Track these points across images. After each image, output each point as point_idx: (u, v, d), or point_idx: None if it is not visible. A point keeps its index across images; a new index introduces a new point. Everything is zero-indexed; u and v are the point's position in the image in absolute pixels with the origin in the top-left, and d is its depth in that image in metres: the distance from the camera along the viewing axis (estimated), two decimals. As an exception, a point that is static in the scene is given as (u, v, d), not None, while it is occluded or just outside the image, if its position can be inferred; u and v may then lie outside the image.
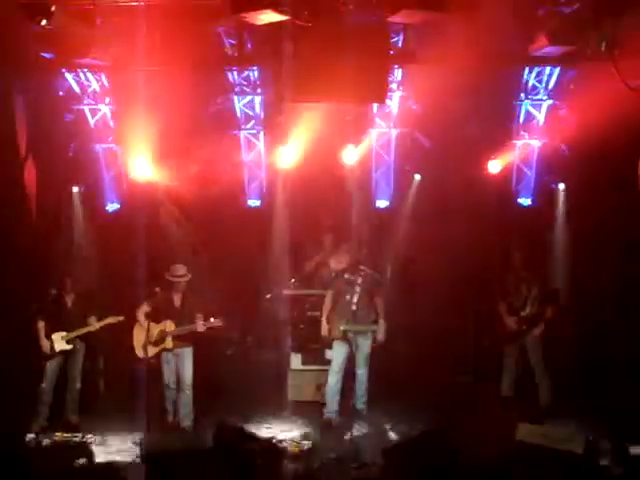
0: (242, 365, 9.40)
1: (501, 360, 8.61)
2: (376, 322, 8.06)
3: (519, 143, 9.92)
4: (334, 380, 8.14)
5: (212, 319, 7.86)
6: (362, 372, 8.14)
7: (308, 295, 9.42)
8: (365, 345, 8.12)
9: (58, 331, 8.03)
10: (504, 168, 9.86)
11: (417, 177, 10.16)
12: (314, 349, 8.95)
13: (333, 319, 8.15)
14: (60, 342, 8.00)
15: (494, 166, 9.86)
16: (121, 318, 7.99)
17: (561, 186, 9.79)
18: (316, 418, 8.27)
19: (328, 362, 8.54)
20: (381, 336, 8.08)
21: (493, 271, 9.15)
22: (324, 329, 8.20)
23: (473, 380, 9.33)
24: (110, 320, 8.02)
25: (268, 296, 9.97)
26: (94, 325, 8.04)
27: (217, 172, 9.67)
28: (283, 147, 9.62)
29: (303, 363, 8.96)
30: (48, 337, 8.00)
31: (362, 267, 8.11)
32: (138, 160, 9.56)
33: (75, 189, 9.92)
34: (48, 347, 7.96)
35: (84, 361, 8.30)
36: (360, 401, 8.19)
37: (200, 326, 7.83)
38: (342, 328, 8.01)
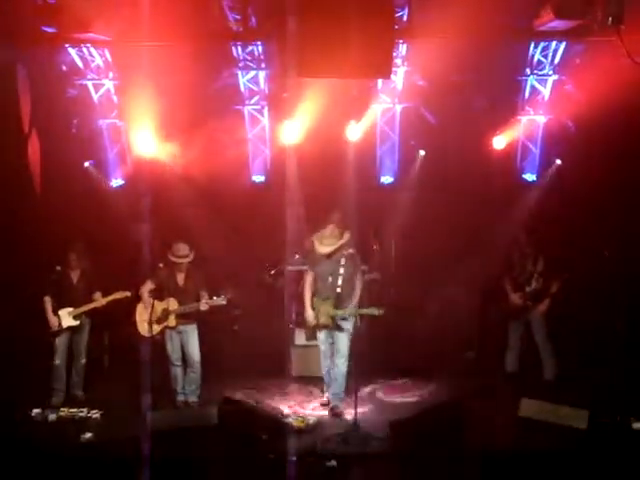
0: (248, 341, 9.35)
1: (506, 336, 8.71)
2: (363, 306, 7.75)
3: (524, 119, 9.80)
4: (323, 364, 7.99)
5: (215, 297, 7.80)
6: (342, 362, 7.74)
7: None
8: (346, 332, 7.73)
9: (64, 307, 8.02)
10: (509, 144, 9.75)
11: (421, 153, 10.08)
12: (320, 325, 8.60)
13: (316, 305, 7.81)
14: (67, 318, 8.00)
15: (499, 142, 9.73)
16: (128, 293, 7.98)
17: (557, 162, 9.75)
18: (320, 393, 8.30)
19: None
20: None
21: (498, 247, 9.17)
22: (310, 316, 7.82)
23: (477, 356, 9.43)
24: (117, 296, 8.00)
25: (272, 272, 9.95)
26: (100, 301, 8.03)
27: (221, 147, 9.60)
28: (287, 123, 9.52)
29: (307, 339, 8.77)
30: (55, 313, 8.00)
31: (347, 248, 7.82)
32: (142, 135, 9.49)
33: (86, 164, 9.90)
34: (56, 323, 7.96)
35: (89, 337, 8.33)
36: (337, 397, 7.79)
37: (203, 305, 7.78)
38: (331, 314, 7.65)
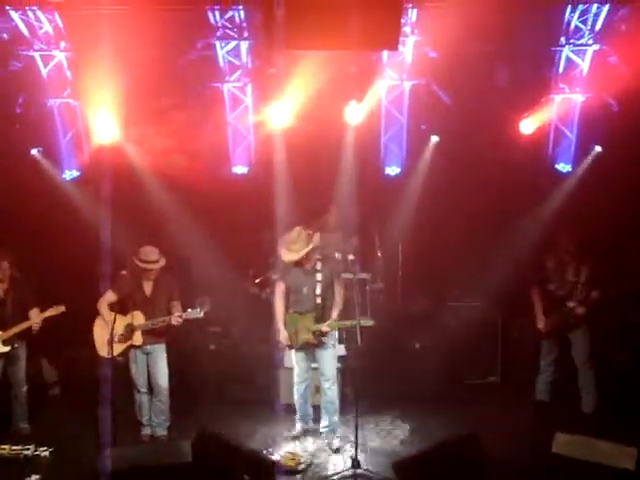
0: (227, 362, 9.40)
1: (536, 358, 8.69)
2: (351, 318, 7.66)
3: (557, 98, 9.80)
4: (302, 388, 8.03)
5: (190, 310, 7.76)
6: (328, 385, 7.81)
7: None
8: (329, 349, 7.78)
9: None
10: (539, 128, 9.81)
11: (434, 139, 10.15)
12: (311, 344, 8.65)
13: (291, 321, 7.84)
14: None
15: (527, 125, 9.80)
16: (62, 308, 7.90)
17: (597, 149, 9.78)
18: (316, 425, 8.26)
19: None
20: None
21: (525, 251, 9.26)
22: (282, 336, 7.86)
23: (500, 381, 9.58)
24: (50, 312, 7.91)
25: (257, 280, 9.96)
26: (34, 319, 7.90)
27: (196, 133, 9.65)
28: (275, 104, 9.59)
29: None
30: None
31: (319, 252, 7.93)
32: (101, 118, 9.49)
33: (34, 151, 9.88)
34: None
35: (32, 361, 8.29)
36: (330, 430, 7.84)
37: (175, 318, 7.74)
38: (312, 329, 7.63)
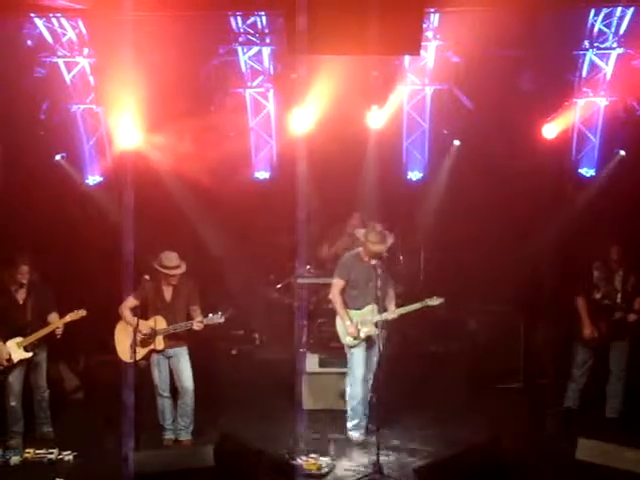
0: (249, 367, 9.48)
1: (559, 362, 8.75)
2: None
3: (581, 102, 9.83)
4: (359, 391, 7.96)
5: (211, 315, 7.75)
6: (370, 376, 8.03)
7: (327, 284, 9.14)
8: (382, 339, 7.73)
9: (13, 337, 7.84)
10: (562, 132, 9.82)
11: (457, 143, 10.18)
12: (335, 348, 8.90)
13: (353, 317, 7.97)
14: (17, 350, 7.82)
15: (550, 130, 9.80)
16: (83, 312, 7.86)
17: (621, 153, 9.75)
18: (338, 430, 8.26)
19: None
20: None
21: (548, 255, 9.31)
22: (351, 329, 7.87)
23: (523, 386, 9.44)
24: (71, 317, 7.87)
25: (279, 285, 10.06)
26: (55, 323, 7.89)
27: (218, 138, 9.72)
28: (297, 109, 9.62)
29: (321, 365, 8.99)
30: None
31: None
32: (124, 124, 9.52)
33: (57, 157, 9.93)
34: (4, 358, 7.77)
35: (50, 367, 8.30)
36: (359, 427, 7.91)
37: (197, 324, 7.73)
38: (377, 319, 7.71)
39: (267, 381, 9.10)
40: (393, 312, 7.92)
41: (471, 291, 9.71)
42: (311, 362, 9.03)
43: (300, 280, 9.55)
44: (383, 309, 7.81)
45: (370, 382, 8.00)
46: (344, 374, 8.59)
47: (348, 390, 8.02)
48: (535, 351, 9.45)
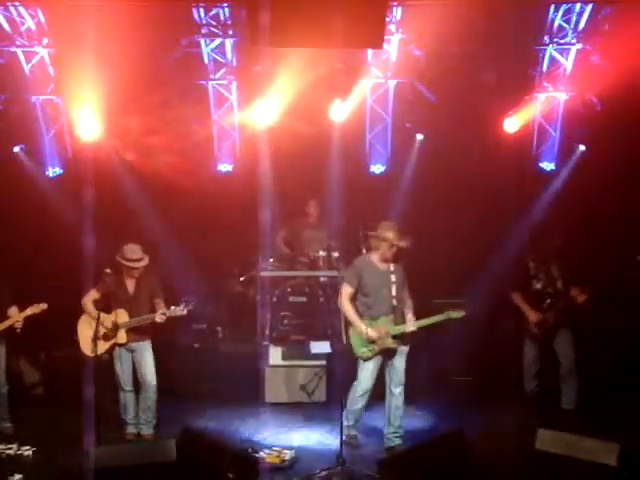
0: (212, 361, 9.43)
1: (518, 356, 8.67)
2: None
3: (542, 96, 9.88)
4: (360, 401, 7.66)
5: (173, 307, 7.71)
6: (400, 391, 7.59)
7: (290, 277, 9.62)
8: (404, 353, 7.58)
9: None
10: (523, 126, 9.86)
11: (420, 137, 10.17)
12: (297, 341, 9.12)
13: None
14: None
15: (511, 124, 9.85)
16: (44, 306, 7.79)
17: (580, 147, 9.86)
18: (300, 422, 8.32)
19: (313, 357, 8.70)
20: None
21: (511, 251, 9.26)
22: (371, 332, 7.39)
23: (484, 378, 9.42)
24: (31, 310, 7.79)
25: (242, 278, 10.07)
26: (14, 318, 7.81)
27: (180, 131, 9.63)
28: (260, 101, 9.59)
29: (284, 358, 9.04)
30: None
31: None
32: (84, 116, 9.44)
33: (16, 149, 9.84)
34: None
35: (10, 361, 8.22)
36: (396, 434, 7.61)
37: (159, 316, 7.69)
38: (394, 332, 7.42)
39: (230, 375, 9.06)
40: (411, 323, 7.47)
41: (435, 284, 9.63)
42: (274, 355, 9.06)
43: (263, 273, 9.59)
44: (401, 319, 7.50)
45: (400, 387, 7.59)
46: (307, 367, 8.87)
47: (350, 396, 7.69)
48: (493, 345, 9.52)
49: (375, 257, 7.58)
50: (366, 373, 7.56)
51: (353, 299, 7.56)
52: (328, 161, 9.92)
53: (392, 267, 7.54)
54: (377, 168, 10.34)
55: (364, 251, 9.10)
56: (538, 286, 8.36)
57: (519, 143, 9.89)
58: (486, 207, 9.76)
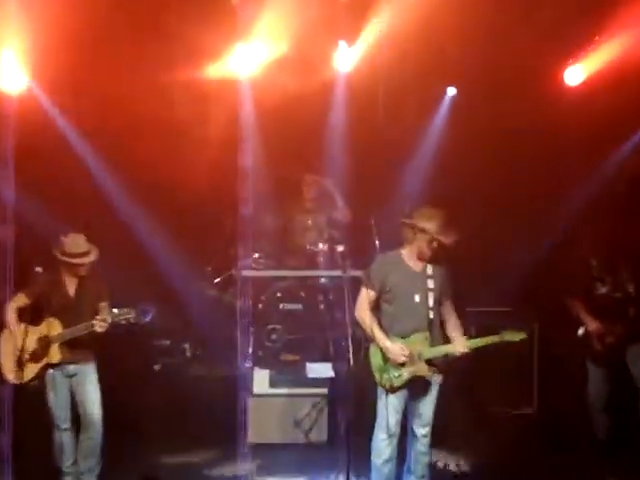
0: (177, 387, 9.32)
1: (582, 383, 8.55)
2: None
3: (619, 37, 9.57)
4: (386, 447, 7.30)
5: (116, 310, 7.49)
6: (426, 432, 7.35)
7: (281, 278, 9.67)
8: (437, 384, 7.30)
9: None
10: (591, 77, 9.82)
11: (451, 93, 10.26)
12: (290, 362, 9.23)
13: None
14: None
15: (574, 74, 9.87)
16: None
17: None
18: (292, 470, 8.26)
19: (311, 383, 8.83)
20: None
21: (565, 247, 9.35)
22: (397, 350, 7.08)
23: (537, 412, 9.55)
24: None
25: (218, 280, 10.07)
26: None
27: (136, 83, 9.44)
28: (240, 46, 9.56)
29: (272, 384, 9.01)
30: None
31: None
32: (4, 63, 9.25)
33: None
34: None
35: None
36: None
37: (99, 324, 7.43)
38: (430, 354, 7.15)
39: (201, 406, 8.96)
40: (462, 344, 7.15)
41: (468, 286, 9.25)
42: (259, 381, 9.03)
43: (245, 272, 9.59)
44: (439, 339, 7.24)
45: (426, 429, 7.33)
46: (302, 397, 8.86)
47: (373, 444, 7.37)
48: (554, 367, 9.54)
49: (408, 253, 7.26)
50: (389, 410, 7.20)
51: (375, 308, 7.26)
52: (330, 125, 9.98)
53: (430, 269, 7.22)
54: (394, 133, 10.15)
55: (377, 244, 9.58)
56: (603, 290, 8.27)
57: (586, 99, 9.80)
58: (538, 185, 9.81)
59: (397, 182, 9.99)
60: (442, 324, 7.28)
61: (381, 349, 7.10)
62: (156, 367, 9.61)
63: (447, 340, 7.22)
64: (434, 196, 9.10)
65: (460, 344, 7.11)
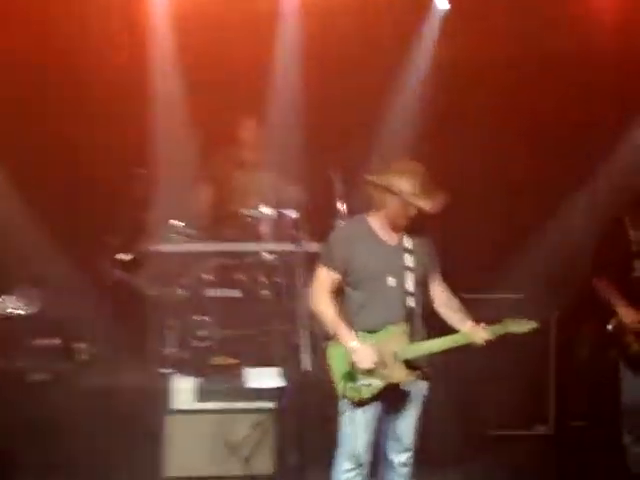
0: (65, 403, 8.31)
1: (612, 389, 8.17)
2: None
3: None
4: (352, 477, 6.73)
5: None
6: (407, 459, 6.74)
7: (212, 254, 9.22)
8: (420, 395, 6.67)
9: None
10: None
11: (442, 6, 9.88)
12: (224, 367, 8.73)
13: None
14: None
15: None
16: None
17: None
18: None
19: (252, 395, 8.27)
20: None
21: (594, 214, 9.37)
22: (363, 355, 6.45)
23: (554, 432, 9.22)
24: None
25: (125, 257, 9.44)
26: None
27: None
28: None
29: (200, 397, 8.34)
30: None
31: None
32: None
33: None
34: None
35: None
36: None
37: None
38: (407, 354, 6.49)
39: (98, 427, 8.14)
40: (479, 329, 6.51)
41: (461, 270, 8.62)
42: (181, 393, 8.34)
43: (162, 247, 9.09)
44: (422, 333, 6.60)
45: (407, 454, 6.72)
46: (240, 414, 8.28)
47: (335, 476, 6.72)
48: (576, 372, 9.28)
49: (378, 222, 6.59)
50: (356, 430, 6.61)
51: (337, 294, 6.62)
52: (273, 50, 9.76)
53: (408, 241, 6.61)
54: (365, 63, 9.91)
55: (342, 209, 8.82)
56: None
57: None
58: (561, 131, 9.68)
59: (370, 126, 9.70)
60: (430, 313, 6.70)
61: (345, 349, 6.49)
62: (37, 377, 8.63)
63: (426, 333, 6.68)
64: (418, 147, 9.05)
65: (477, 330, 6.44)
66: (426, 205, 6.36)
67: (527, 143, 9.91)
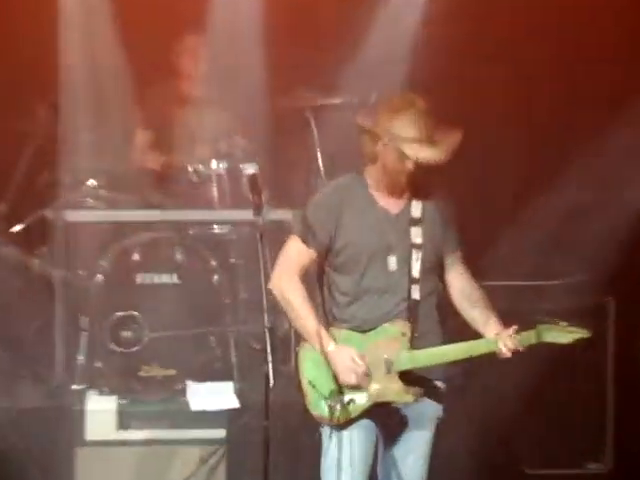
0: None
1: None
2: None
3: None
4: None
5: None
6: None
7: (142, 225, 8.40)
8: (429, 421, 5.89)
9: None
10: None
11: None
12: (157, 381, 8.01)
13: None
14: None
15: None
16: None
17: None
18: None
19: (197, 420, 7.67)
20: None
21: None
22: (345, 366, 5.76)
23: (614, 470, 8.46)
24: None
25: (19, 227, 8.55)
26: None
27: None
28: None
29: (123, 424, 7.64)
30: None
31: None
32: None
33: None
34: None
35: None
36: None
37: None
38: (406, 364, 5.73)
39: None
40: (506, 334, 5.60)
41: (483, 249, 8.32)
42: (98, 416, 7.67)
43: (70, 215, 8.30)
44: (435, 333, 5.82)
45: None
46: (180, 444, 7.67)
47: None
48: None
49: (373, 182, 5.82)
50: (341, 465, 5.82)
51: (316, 279, 5.96)
52: None
53: (417, 207, 5.80)
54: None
55: (319, 164, 8.62)
56: None
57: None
58: (586, 111, 8.91)
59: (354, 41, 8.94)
60: (446, 307, 5.88)
61: (321, 355, 5.72)
62: None
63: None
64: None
65: (502, 336, 5.43)
66: (428, 154, 5.51)
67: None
